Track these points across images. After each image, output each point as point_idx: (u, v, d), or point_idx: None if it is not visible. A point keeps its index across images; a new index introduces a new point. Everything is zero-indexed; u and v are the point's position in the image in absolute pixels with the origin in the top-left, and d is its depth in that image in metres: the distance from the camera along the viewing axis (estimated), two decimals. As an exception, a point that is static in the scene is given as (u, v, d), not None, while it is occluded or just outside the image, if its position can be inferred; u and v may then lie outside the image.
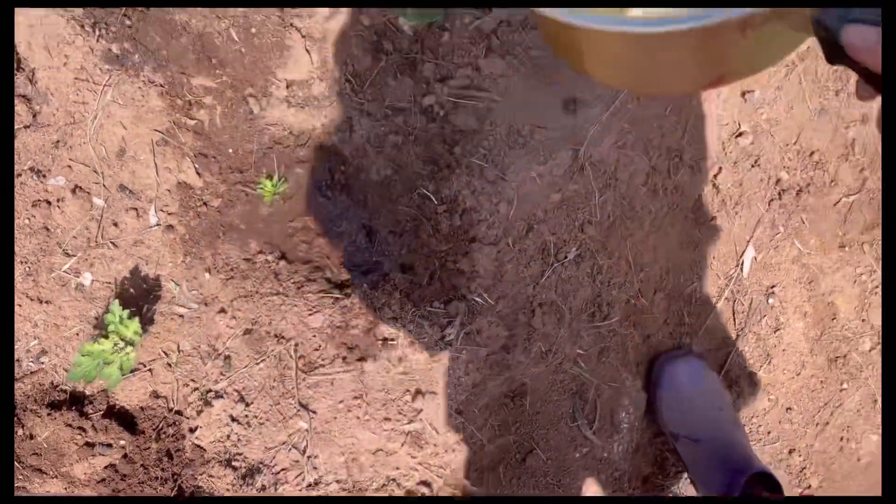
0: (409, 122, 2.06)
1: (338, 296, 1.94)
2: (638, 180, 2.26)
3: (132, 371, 1.91)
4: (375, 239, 1.95)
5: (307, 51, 2.10)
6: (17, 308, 1.91)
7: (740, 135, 2.56)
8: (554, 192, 2.10)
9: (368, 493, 2.01)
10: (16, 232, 1.94)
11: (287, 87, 2.07)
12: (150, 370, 1.98)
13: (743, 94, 2.55)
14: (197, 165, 2.01)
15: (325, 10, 2.02)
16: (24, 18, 1.96)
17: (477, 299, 2.01)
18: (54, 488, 1.82)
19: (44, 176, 2.00)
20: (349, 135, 2.07)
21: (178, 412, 1.96)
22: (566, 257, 2.17)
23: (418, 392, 2.03)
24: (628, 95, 2.12)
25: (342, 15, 2.06)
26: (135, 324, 1.76)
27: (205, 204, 2.02)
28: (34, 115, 2.04)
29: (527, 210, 2.07)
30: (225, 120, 2.04)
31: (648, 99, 2.12)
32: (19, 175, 1.96)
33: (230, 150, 2.06)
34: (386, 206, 2.03)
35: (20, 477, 1.84)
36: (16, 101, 2.00)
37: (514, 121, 2.06)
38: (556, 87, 2.06)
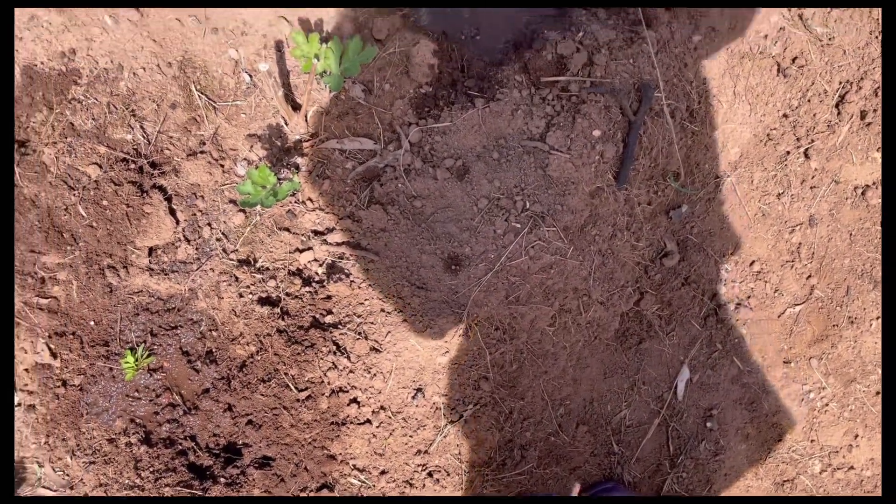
0: (281, 287, 2.03)
1: (197, 489, 1.93)
2: (542, 323, 2.22)
3: None
4: (238, 425, 1.93)
5: (171, 212, 2.07)
6: None
7: (665, 255, 2.49)
8: (440, 354, 2.06)
9: None
10: None
11: (149, 254, 2.04)
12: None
13: (667, 212, 2.48)
14: (53, 346, 2.01)
15: (193, 165, 2.00)
16: None
17: (353, 482, 1.98)
18: None
19: None
20: (218, 301, 2.04)
21: None
22: (461, 416, 2.13)
23: None
24: (515, 251, 2.07)
25: (215, 169, 2.04)
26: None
27: (64, 384, 2.02)
28: None
29: (409, 377, 2.04)
30: (83, 294, 2.02)
31: (540, 249, 2.06)
32: None
33: (91, 323, 2.05)
34: (247, 390, 2.01)
35: None
36: None
37: (393, 283, 2.02)
38: (438, 242, 2.02)
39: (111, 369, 2.09)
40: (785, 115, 2.56)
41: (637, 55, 2.18)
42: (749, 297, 2.69)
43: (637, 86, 2.18)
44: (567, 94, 2.16)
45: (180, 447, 2.06)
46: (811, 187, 2.61)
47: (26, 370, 2.07)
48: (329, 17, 2.25)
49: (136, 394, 2.08)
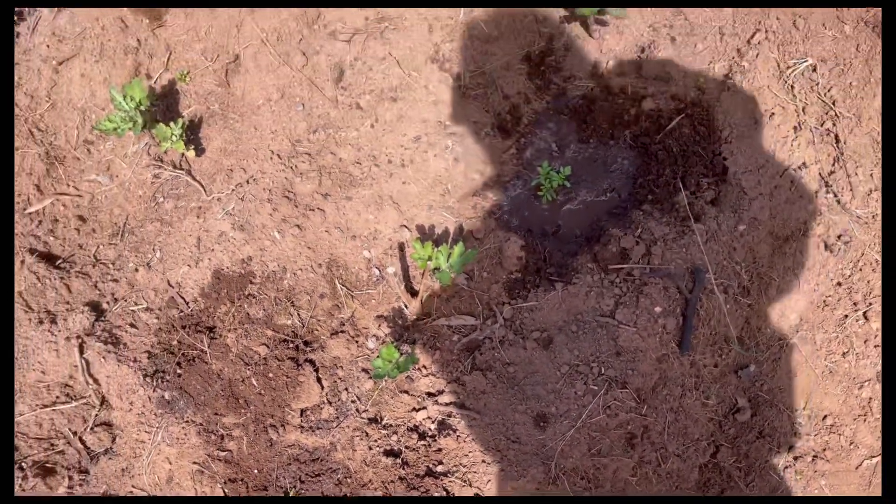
0: (402, 441, 2.59)
1: None
2: (624, 474, 2.62)
3: None
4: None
5: (318, 380, 2.73)
6: None
7: (737, 411, 2.85)
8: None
9: None
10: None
11: (301, 414, 2.68)
12: None
13: (735, 371, 2.87)
14: (227, 490, 2.63)
15: (335, 342, 2.68)
16: (103, 370, 2.75)
17: None
18: None
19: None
20: (352, 452, 2.62)
21: None
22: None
23: None
24: (594, 409, 2.54)
25: (351, 345, 2.70)
26: None
27: (233, 522, 2.61)
28: (112, 441, 2.79)
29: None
30: (250, 447, 2.67)
31: (616, 408, 2.52)
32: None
33: (255, 471, 2.68)
34: None
35: None
36: (98, 431, 2.76)
37: (492, 437, 2.53)
38: (528, 402, 2.54)
39: (268, 510, 2.68)
40: (839, 284, 2.96)
41: (688, 245, 2.73)
42: (825, 449, 2.96)
43: (690, 269, 2.71)
44: (631, 278, 2.72)
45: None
46: (875, 346, 2.92)
47: (205, 510, 2.70)
48: (440, 223, 2.98)
49: (287, 531, 2.65)
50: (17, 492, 2.72)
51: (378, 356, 2.57)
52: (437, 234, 3.00)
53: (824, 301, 2.96)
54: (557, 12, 3.19)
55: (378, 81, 3.17)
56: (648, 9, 3.11)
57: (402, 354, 2.66)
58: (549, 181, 2.96)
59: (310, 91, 3.21)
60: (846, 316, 2.93)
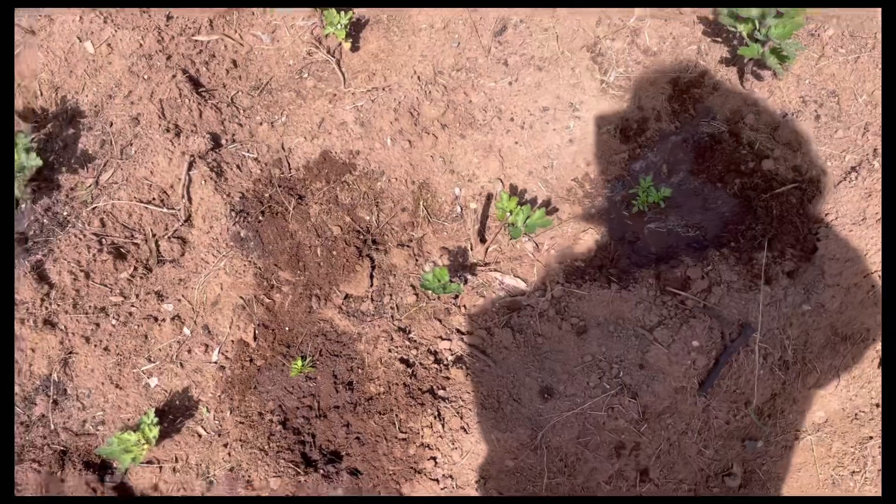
0: (419, 357, 2.80)
1: (300, 471, 2.65)
2: (600, 477, 2.74)
3: (146, 462, 2.75)
4: (349, 438, 2.66)
5: (371, 276, 2.97)
6: (99, 385, 2.87)
7: (728, 475, 2.93)
8: (510, 458, 2.67)
9: None
10: (124, 332, 2.94)
11: (344, 298, 2.93)
12: (160, 467, 2.80)
13: (742, 440, 2.93)
14: (257, 332, 2.91)
15: (398, 252, 2.91)
16: (200, 192, 3.08)
17: (407, 522, 2.60)
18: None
19: (161, 299, 3.03)
20: (373, 348, 2.86)
21: None
22: (505, 519, 2.67)
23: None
24: (598, 404, 2.68)
25: (411, 260, 2.93)
26: (156, 431, 2.61)
27: (251, 361, 2.89)
28: (181, 255, 3.12)
29: (478, 463, 2.66)
30: (291, 306, 2.95)
31: (618, 412, 2.65)
32: (149, 293, 3.00)
33: (287, 328, 2.94)
34: (365, 416, 2.75)
35: (39, 508, 2.72)
36: (173, 241, 3.10)
37: (497, 388, 2.71)
38: (542, 373, 2.70)
39: (283, 365, 2.94)
40: (877, 405, 2.96)
41: (749, 300, 2.81)
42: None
43: (741, 322, 2.79)
44: (683, 306, 2.83)
45: (302, 438, 2.83)
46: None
47: (232, 341, 2.99)
48: (532, 190, 3.16)
49: (291, 389, 2.91)
50: (90, 257, 3.08)
51: (430, 272, 2.78)
52: (525, 198, 3.18)
53: (855, 414, 2.97)
54: (721, 50, 3.30)
55: (532, 48, 3.37)
56: (805, 79, 3.17)
57: (451, 281, 2.87)
58: (645, 195, 3.09)
59: (469, 33, 3.44)
60: (870, 437, 2.93)
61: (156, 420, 2.76)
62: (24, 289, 2.97)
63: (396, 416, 2.75)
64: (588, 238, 3.07)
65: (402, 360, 2.91)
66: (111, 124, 3.32)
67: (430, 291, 2.78)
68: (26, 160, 3.08)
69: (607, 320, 2.84)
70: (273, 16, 3.62)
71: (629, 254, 3.05)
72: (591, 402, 2.73)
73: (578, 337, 2.82)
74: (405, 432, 2.73)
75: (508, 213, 2.82)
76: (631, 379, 2.74)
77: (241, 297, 3.03)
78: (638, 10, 3.34)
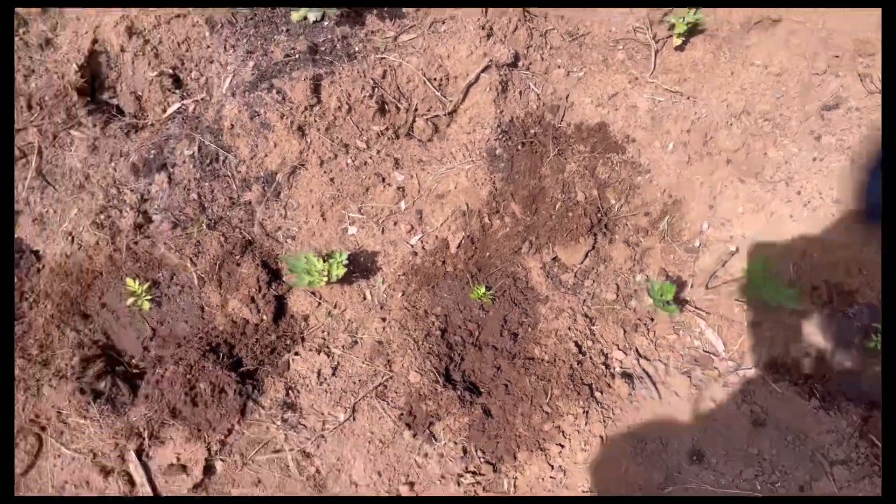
0: (591, 352, 2.73)
1: (439, 382, 2.66)
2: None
3: (312, 293, 2.85)
4: (495, 381, 2.65)
5: (586, 255, 2.91)
6: (309, 205, 2.99)
7: None
8: (626, 488, 2.58)
9: None
10: (352, 175, 3.04)
11: (552, 259, 2.90)
12: (319, 303, 2.90)
13: None
14: (462, 242, 2.93)
15: (627, 251, 2.83)
16: (477, 98, 3.11)
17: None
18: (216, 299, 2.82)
19: (397, 166, 3.10)
20: (554, 317, 2.80)
21: (303, 337, 2.85)
22: None
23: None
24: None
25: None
26: (341, 271, 2.70)
27: (443, 263, 2.92)
28: (429, 139, 3.18)
29: (595, 475, 2.58)
30: (503, 238, 2.95)
31: None
32: (388, 156, 3.08)
33: (487, 254, 2.96)
34: (522, 370, 2.72)
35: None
36: (429, 124, 3.18)
37: (650, 422, 2.60)
38: (700, 435, 2.57)
39: (467, 284, 2.95)
40: None
41: None
42: None
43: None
44: (876, 460, 2.59)
45: (451, 354, 2.84)
46: None
47: (436, 237, 3.02)
48: (780, 265, 2.98)
49: (462, 308, 2.92)
50: (359, 97, 3.19)
51: (660, 284, 2.69)
52: (771, 271, 3.01)
53: None
54: None
55: (853, 139, 3.15)
56: None
57: (669, 303, 2.76)
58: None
59: (798, 92, 3.25)
60: None
61: (345, 262, 2.84)
62: (298, 92, 3.11)
63: (552, 389, 2.70)
64: (808, 342, 2.87)
65: (576, 344, 2.84)
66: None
67: (649, 299, 2.69)
68: (300, 13, 3.22)
69: (790, 429, 2.66)
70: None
71: (846, 380, 2.83)
72: (737, 491, 2.57)
73: (753, 426, 2.66)
74: (551, 408, 2.68)
75: (749, 274, 2.67)
76: (786, 492, 2.56)
77: (467, 205, 3.05)
78: None
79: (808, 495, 2.56)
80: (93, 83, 3.40)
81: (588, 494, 2.58)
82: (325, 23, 3.47)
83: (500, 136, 3.16)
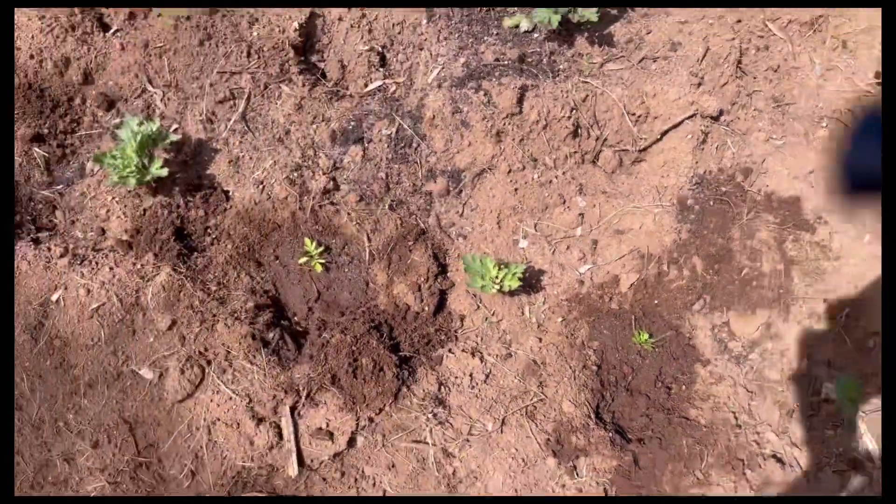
0: (752, 427, 2.66)
1: (591, 418, 2.64)
2: None
3: (474, 295, 2.87)
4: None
5: (760, 327, 2.83)
6: (486, 209, 3.00)
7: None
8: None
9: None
10: (535, 191, 3.04)
11: (723, 323, 2.83)
12: (478, 306, 2.91)
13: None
14: (635, 283, 2.89)
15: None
16: (675, 144, 3.07)
17: None
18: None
19: (580, 192, 3.09)
20: (714, 382, 2.75)
21: (456, 336, 2.87)
22: None
23: None
24: None
25: None
26: (514, 283, 2.72)
27: (609, 299, 2.89)
28: (612, 171, 3.16)
29: None
30: (676, 290, 2.91)
31: None
32: (573, 179, 3.07)
33: (656, 301, 2.92)
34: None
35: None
36: (614, 156, 3.15)
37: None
38: None
39: (628, 326, 2.91)
40: None
41: None
42: None
43: None
44: None
45: (603, 393, 2.81)
46: None
47: (607, 272, 3.00)
48: None
49: (620, 348, 2.88)
50: (556, 114, 3.18)
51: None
52: None
53: None
54: None
55: None
56: None
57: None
58: None
59: None
60: None
61: (521, 276, 2.84)
62: (505, 98, 3.13)
63: (707, 456, 2.64)
64: None
65: (734, 416, 2.78)
66: (648, 33, 3.35)
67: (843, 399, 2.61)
68: (584, 13, 3.20)
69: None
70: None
71: None
72: None
73: None
74: (703, 475, 2.62)
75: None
76: None
77: (646, 247, 3.02)
78: None
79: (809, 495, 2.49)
80: (304, 43, 3.50)
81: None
82: (535, 35, 3.48)
83: (694, 188, 3.11)
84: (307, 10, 3.42)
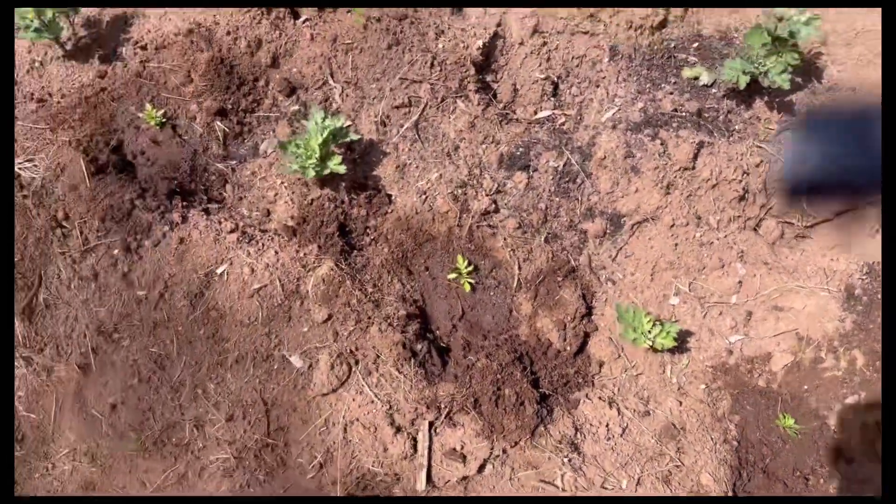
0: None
1: None
2: None
3: (615, 343, 2.82)
4: None
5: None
6: (642, 261, 2.95)
7: None
8: None
9: None
10: (695, 251, 2.98)
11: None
12: (618, 355, 2.86)
13: None
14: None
15: None
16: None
17: None
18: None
19: (742, 260, 3.01)
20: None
21: (593, 382, 2.83)
22: None
23: None
24: None
25: None
26: (668, 341, 2.65)
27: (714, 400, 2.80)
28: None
29: None
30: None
31: None
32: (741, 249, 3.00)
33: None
34: None
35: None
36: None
37: None
38: None
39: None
40: None
41: None
42: None
43: None
44: None
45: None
46: None
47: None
48: None
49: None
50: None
51: None
52: None
53: None
54: None
55: None
56: None
57: None
58: None
59: None
60: None
61: (675, 335, 2.78)
62: (681, 152, 3.08)
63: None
64: None
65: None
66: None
67: None
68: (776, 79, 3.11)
69: None
70: None
71: None
72: None
73: None
74: None
75: None
76: None
77: (806, 329, 2.93)
78: None
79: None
80: (484, 62, 3.52)
81: None
82: (713, 90, 3.41)
83: (864, 277, 2.99)
84: (492, 30, 3.44)
